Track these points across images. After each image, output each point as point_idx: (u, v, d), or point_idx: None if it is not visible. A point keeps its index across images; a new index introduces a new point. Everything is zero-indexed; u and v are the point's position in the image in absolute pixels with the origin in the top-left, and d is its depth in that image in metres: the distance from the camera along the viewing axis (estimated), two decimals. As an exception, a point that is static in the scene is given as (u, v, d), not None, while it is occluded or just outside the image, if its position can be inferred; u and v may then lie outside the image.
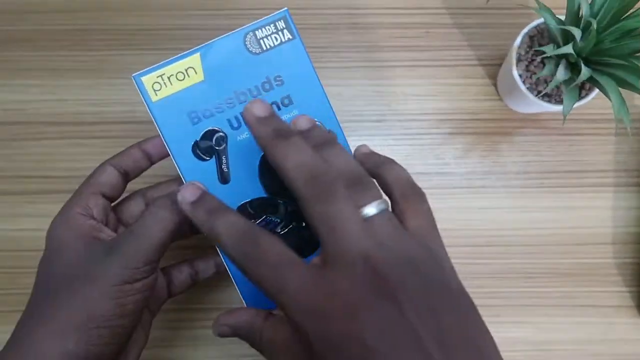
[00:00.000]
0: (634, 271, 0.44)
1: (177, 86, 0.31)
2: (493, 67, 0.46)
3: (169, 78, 0.31)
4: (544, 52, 0.37)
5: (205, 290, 0.44)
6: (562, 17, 0.37)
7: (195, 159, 0.31)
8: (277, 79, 0.31)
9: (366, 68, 0.46)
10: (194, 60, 0.30)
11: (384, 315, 0.21)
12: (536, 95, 0.39)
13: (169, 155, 0.31)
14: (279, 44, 0.31)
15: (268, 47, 0.31)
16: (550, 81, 0.37)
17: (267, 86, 0.31)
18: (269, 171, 0.31)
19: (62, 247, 0.29)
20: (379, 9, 0.46)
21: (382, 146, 0.45)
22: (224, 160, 0.31)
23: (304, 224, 0.32)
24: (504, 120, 0.45)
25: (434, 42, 0.46)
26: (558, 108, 0.39)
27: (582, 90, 0.39)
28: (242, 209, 0.31)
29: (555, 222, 0.45)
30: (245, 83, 0.31)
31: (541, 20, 0.39)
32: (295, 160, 0.24)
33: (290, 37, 0.31)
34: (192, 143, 0.31)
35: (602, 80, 0.35)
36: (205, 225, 0.25)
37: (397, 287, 0.22)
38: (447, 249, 0.46)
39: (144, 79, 0.31)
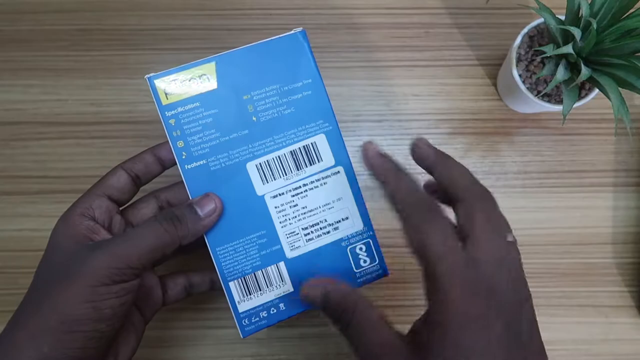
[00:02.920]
0: (634, 271, 0.44)
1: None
2: (493, 67, 0.46)
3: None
4: (544, 52, 0.37)
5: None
6: (562, 17, 0.37)
7: None
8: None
9: (366, 68, 0.46)
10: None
11: None
12: (536, 95, 0.39)
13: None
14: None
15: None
16: (550, 81, 0.37)
17: None
18: None
19: (54, 247, 0.29)
20: (378, 9, 0.46)
21: (382, 146, 0.45)
22: None
23: None
24: (504, 120, 0.45)
25: (433, 42, 0.46)
26: (558, 108, 0.39)
27: (582, 90, 0.39)
28: None
29: (555, 222, 0.45)
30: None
31: (541, 20, 0.39)
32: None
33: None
34: None
35: (602, 80, 0.35)
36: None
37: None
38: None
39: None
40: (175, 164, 0.32)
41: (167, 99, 0.31)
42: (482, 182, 0.44)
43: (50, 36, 0.46)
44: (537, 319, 0.44)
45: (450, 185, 0.27)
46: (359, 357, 0.26)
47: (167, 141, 0.32)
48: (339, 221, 0.33)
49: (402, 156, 0.45)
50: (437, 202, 0.27)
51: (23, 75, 0.45)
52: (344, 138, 0.33)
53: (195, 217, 0.30)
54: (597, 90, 0.38)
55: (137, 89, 0.45)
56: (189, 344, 0.43)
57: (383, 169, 0.27)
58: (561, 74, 0.36)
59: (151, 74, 0.31)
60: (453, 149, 0.45)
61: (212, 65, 0.31)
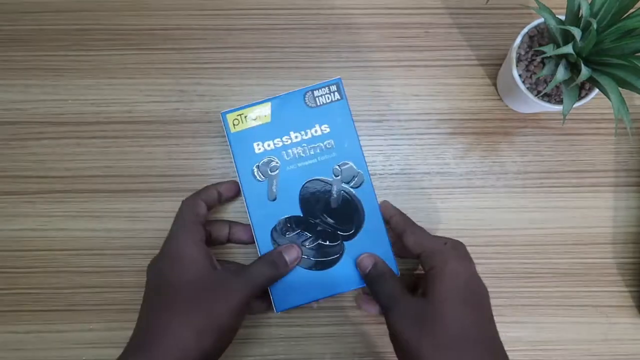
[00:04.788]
0: (634, 271, 0.44)
1: (250, 123, 0.40)
2: (493, 67, 0.46)
3: (245, 117, 0.40)
4: (544, 52, 0.37)
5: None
6: (562, 17, 0.37)
7: (254, 179, 0.40)
8: (324, 127, 0.41)
9: (366, 68, 0.46)
10: (266, 106, 0.40)
11: None
12: (536, 95, 0.39)
13: (237, 191, 0.42)
14: (329, 102, 0.41)
15: (321, 103, 0.41)
16: (550, 81, 0.37)
17: (315, 132, 0.41)
18: (307, 199, 0.40)
19: (194, 265, 0.36)
20: (378, 9, 0.46)
21: (382, 146, 0.45)
22: (274, 183, 0.40)
23: (327, 242, 0.40)
24: (504, 120, 0.45)
25: (433, 42, 0.46)
26: (558, 108, 0.39)
27: (582, 90, 0.39)
28: (284, 222, 0.40)
29: (555, 222, 0.45)
30: (300, 127, 0.41)
31: (541, 20, 0.39)
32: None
33: (339, 97, 0.41)
34: (254, 166, 0.40)
35: (602, 80, 0.35)
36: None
37: None
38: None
39: (228, 115, 0.41)
40: (230, 199, 0.43)
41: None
42: (482, 182, 0.45)
43: (50, 36, 0.46)
44: (538, 318, 0.45)
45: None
46: (384, 306, 0.37)
47: (227, 180, 0.42)
48: None
49: (402, 156, 0.45)
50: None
51: (23, 75, 0.45)
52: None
53: (284, 263, 0.39)
54: (597, 90, 0.38)
55: (137, 89, 0.45)
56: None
57: (401, 222, 0.40)
58: (561, 74, 0.36)
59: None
60: (453, 149, 0.45)
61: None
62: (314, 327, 0.44)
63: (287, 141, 0.40)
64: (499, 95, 0.45)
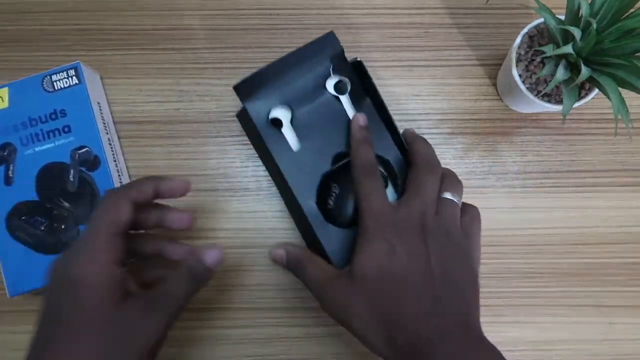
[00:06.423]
0: (634, 271, 0.44)
1: None
2: (493, 67, 0.46)
3: None
4: (543, 52, 0.37)
5: (206, 290, 0.44)
6: (562, 17, 0.37)
7: None
8: (62, 112, 0.42)
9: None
10: (3, 92, 0.42)
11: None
12: (536, 95, 0.39)
13: (184, 193, 0.36)
14: (68, 87, 0.42)
15: (59, 88, 0.42)
16: (550, 81, 0.37)
17: (53, 116, 0.42)
18: (44, 183, 0.41)
19: (95, 293, 0.29)
20: (379, 9, 0.46)
21: (382, 146, 0.45)
22: (11, 168, 0.41)
23: (63, 226, 0.41)
24: (504, 120, 0.45)
25: (433, 42, 0.46)
26: (558, 108, 0.39)
27: (581, 90, 0.39)
28: (19, 206, 0.41)
29: (555, 222, 0.45)
30: (38, 112, 0.42)
31: (541, 20, 0.39)
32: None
33: (78, 82, 0.42)
34: None
35: (602, 80, 0.35)
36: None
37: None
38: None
39: None
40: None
41: None
42: (482, 182, 0.45)
43: (50, 36, 0.46)
44: (538, 318, 0.45)
45: (411, 155, 0.37)
46: (314, 291, 0.35)
47: (170, 178, 0.35)
48: None
49: (402, 156, 0.45)
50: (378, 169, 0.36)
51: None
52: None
53: (205, 270, 0.34)
54: (597, 90, 0.38)
55: (137, 89, 0.45)
56: (190, 344, 0.43)
57: (355, 139, 0.37)
58: (561, 74, 0.36)
59: None
60: (453, 149, 0.45)
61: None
62: (314, 327, 0.43)
63: (24, 126, 0.41)
64: (499, 95, 0.45)
